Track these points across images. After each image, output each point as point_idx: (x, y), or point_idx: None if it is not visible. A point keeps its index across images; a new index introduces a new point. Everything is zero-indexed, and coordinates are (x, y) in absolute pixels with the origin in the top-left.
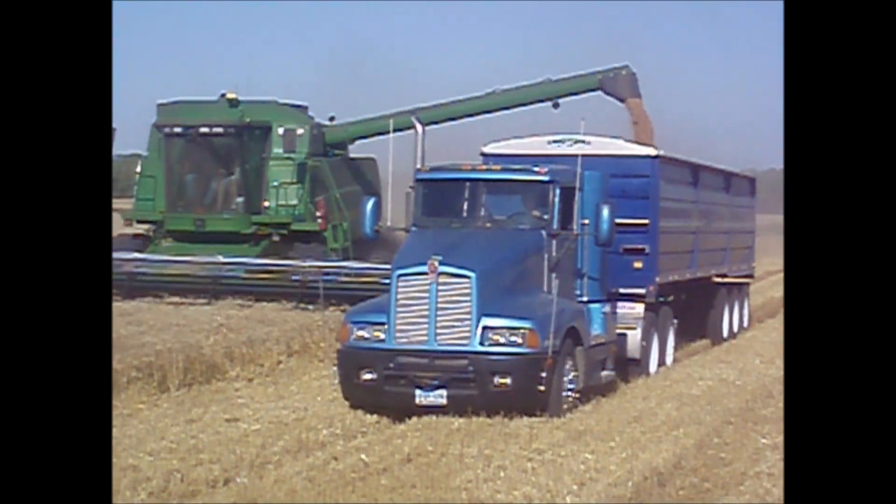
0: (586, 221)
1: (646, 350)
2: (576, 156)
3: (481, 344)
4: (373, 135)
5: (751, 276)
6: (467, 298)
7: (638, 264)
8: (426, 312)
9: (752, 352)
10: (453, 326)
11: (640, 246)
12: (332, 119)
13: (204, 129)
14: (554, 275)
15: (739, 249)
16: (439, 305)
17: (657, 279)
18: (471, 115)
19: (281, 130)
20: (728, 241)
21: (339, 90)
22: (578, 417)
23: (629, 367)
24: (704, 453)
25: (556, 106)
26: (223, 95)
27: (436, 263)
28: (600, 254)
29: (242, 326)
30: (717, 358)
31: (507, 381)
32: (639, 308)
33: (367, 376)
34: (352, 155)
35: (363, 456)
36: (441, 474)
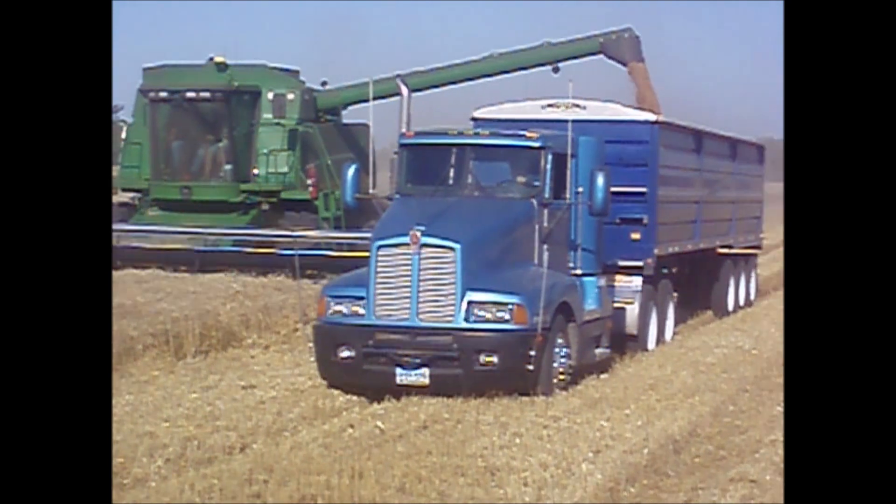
0: (580, 190)
1: (644, 325)
2: (574, 120)
3: (466, 320)
4: (366, 100)
5: (758, 248)
6: (451, 271)
7: (636, 235)
8: (408, 286)
9: (768, 320)
10: (437, 301)
11: (637, 216)
12: (324, 84)
13: (190, 94)
14: (545, 246)
15: (746, 220)
16: (422, 279)
17: (656, 251)
18: (467, 80)
19: (270, 95)
20: (734, 211)
21: (332, 54)
22: (594, 385)
23: (626, 343)
24: (720, 421)
25: (555, 70)
26: (211, 59)
27: (418, 234)
28: (595, 224)
29: (259, 294)
30: (732, 326)
31: (494, 359)
32: (636, 281)
33: (345, 354)
34: (345, 121)
35: (379, 423)
36: (457, 441)
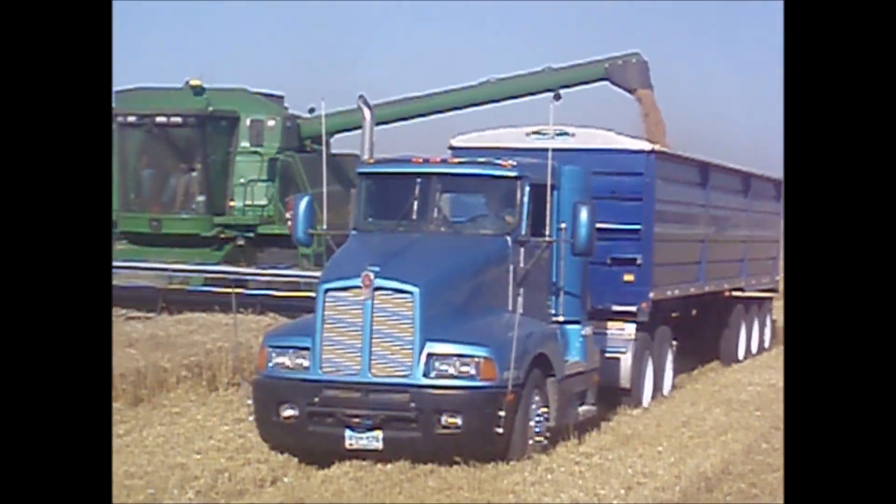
0: (563, 226)
1: (638, 378)
2: (559, 150)
3: (425, 375)
4: (355, 128)
5: (774, 290)
6: (409, 319)
7: (629, 277)
8: (359, 336)
9: None
10: (392, 353)
11: (631, 256)
12: (311, 111)
13: (160, 119)
14: (521, 290)
15: (760, 260)
16: (375, 328)
17: (651, 295)
18: (461, 108)
19: (248, 122)
20: (746, 251)
21: (321, 80)
22: (626, 421)
23: (619, 398)
24: (752, 459)
25: (557, 97)
26: (188, 82)
27: (371, 276)
28: (580, 265)
29: None
30: (765, 364)
31: (457, 420)
32: (629, 329)
33: (288, 413)
34: (333, 150)
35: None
36: (489, 476)
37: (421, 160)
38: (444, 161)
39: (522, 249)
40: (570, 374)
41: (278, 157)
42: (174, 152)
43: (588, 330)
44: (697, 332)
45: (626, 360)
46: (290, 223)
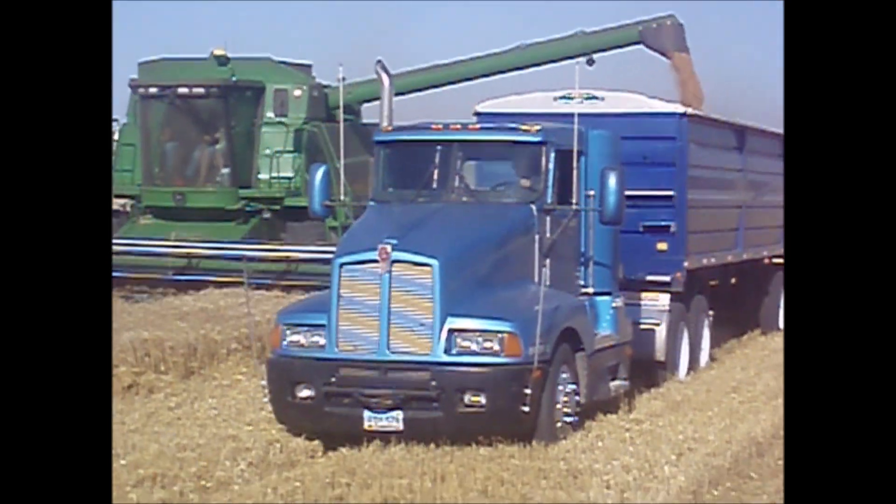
0: (591, 193)
1: (673, 350)
2: (587, 114)
3: (446, 352)
4: (378, 98)
5: None
6: (428, 293)
7: (662, 246)
8: (376, 312)
9: None
10: (411, 330)
11: (664, 223)
12: (341, 80)
13: (182, 90)
14: (547, 261)
15: None
16: (393, 303)
17: (686, 264)
18: (492, 74)
19: (273, 91)
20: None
21: (352, 47)
22: (676, 388)
23: (653, 371)
24: None
25: (590, 63)
26: (212, 52)
27: (388, 248)
28: (610, 234)
29: None
30: None
31: (481, 399)
32: (664, 299)
33: (304, 393)
34: (364, 121)
35: None
36: (539, 444)
37: (441, 127)
38: (464, 127)
39: (548, 218)
40: (600, 348)
41: (304, 128)
42: (197, 124)
43: (619, 301)
44: (737, 301)
45: (661, 332)
46: None
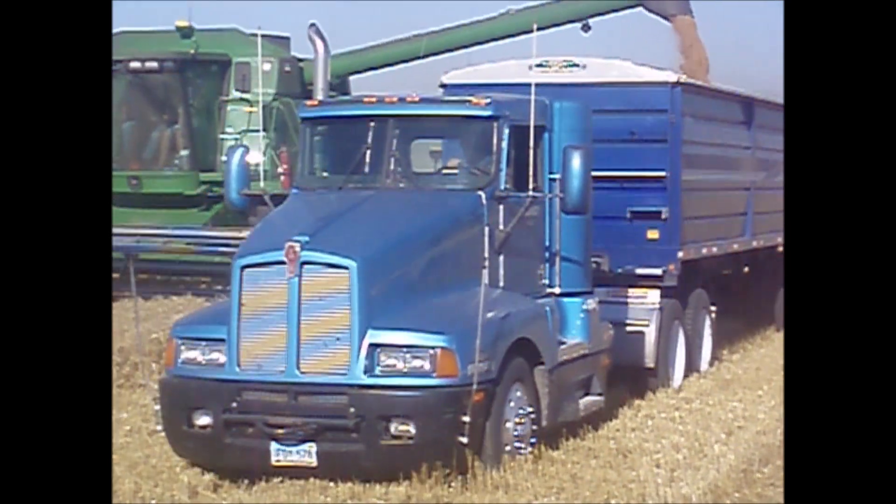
0: (556, 177)
1: (665, 354)
2: (567, 85)
3: (367, 372)
4: (366, 69)
5: None
6: (345, 301)
7: (653, 234)
8: (284, 324)
9: None
10: (325, 345)
11: (654, 209)
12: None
13: (134, 64)
14: (501, 258)
15: None
16: (304, 313)
17: (681, 254)
18: (479, 43)
19: (235, 65)
20: None
21: (339, 18)
22: (726, 366)
23: (642, 379)
24: None
25: (585, 28)
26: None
27: (297, 248)
28: (581, 224)
29: None
30: None
31: (409, 428)
32: (652, 296)
33: (202, 421)
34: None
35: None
36: (589, 423)
37: (374, 100)
38: (402, 100)
39: (501, 207)
40: (567, 360)
41: (273, 105)
42: (153, 102)
43: (592, 303)
44: (745, 295)
45: (650, 334)
46: (283, 178)
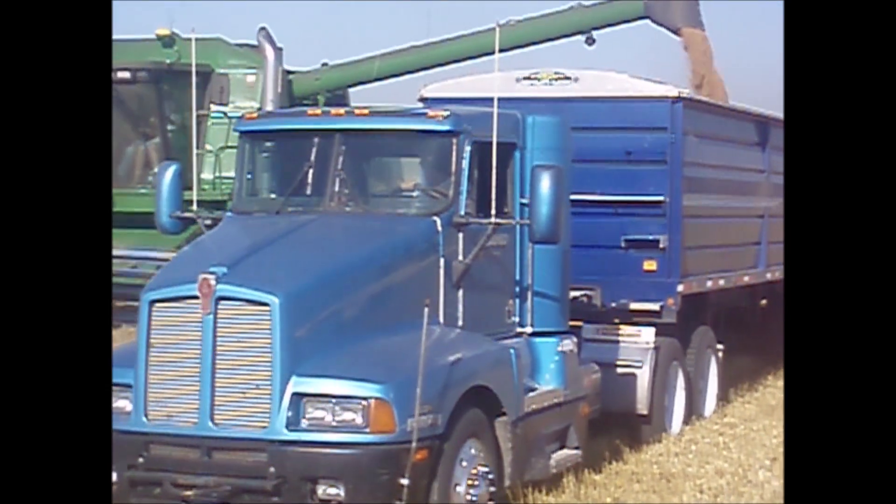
0: (526, 201)
1: (660, 399)
2: (557, 100)
3: (290, 427)
4: (355, 83)
5: None
6: (266, 344)
7: (650, 265)
8: (196, 369)
9: None
10: (243, 394)
11: (652, 237)
12: (324, 65)
13: None
14: (460, 293)
15: None
16: (219, 357)
17: (680, 287)
18: (479, 56)
19: (214, 76)
20: None
21: (334, 30)
22: (770, 391)
23: (636, 427)
24: None
25: (590, 42)
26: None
27: (211, 281)
28: (558, 255)
29: None
30: None
31: (338, 491)
32: (646, 334)
33: None
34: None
35: None
36: (632, 447)
37: (320, 112)
38: (350, 113)
39: (461, 235)
40: (536, 410)
41: None
42: (127, 115)
43: (569, 343)
44: (760, 331)
45: (643, 377)
46: None
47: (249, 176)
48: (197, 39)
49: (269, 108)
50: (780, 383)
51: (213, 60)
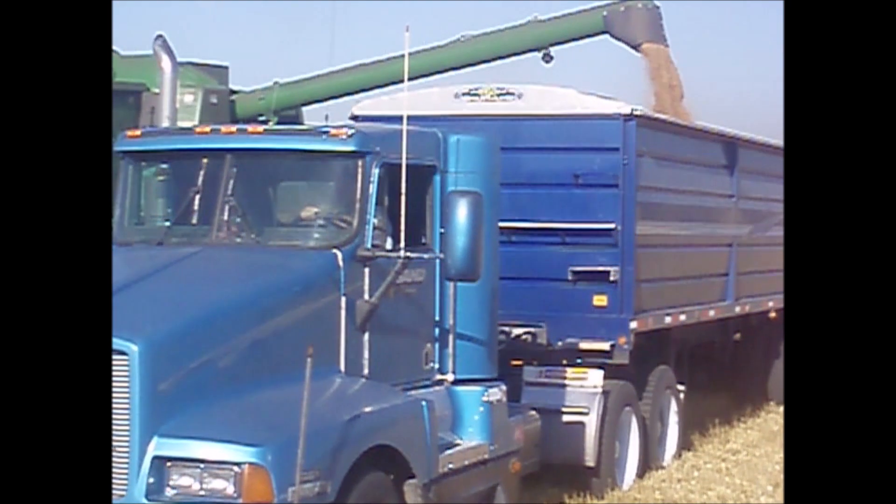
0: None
1: (608, 450)
2: (499, 117)
3: (150, 495)
4: (307, 103)
5: None
6: (124, 398)
7: (600, 300)
8: None
9: None
10: None
11: (602, 268)
12: (276, 84)
13: None
14: (365, 337)
15: None
16: None
17: (633, 324)
18: (430, 74)
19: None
20: None
21: (287, 48)
22: (773, 417)
23: (583, 479)
24: None
25: (547, 59)
26: None
27: None
28: (486, 292)
29: None
30: None
31: None
32: (594, 377)
33: None
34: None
35: None
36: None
37: (208, 130)
38: (242, 131)
39: (367, 270)
40: (454, 470)
41: None
42: None
43: (497, 392)
44: (731, 368)
45: (590, 425)
46: None
47: (130, 202)
48: (132, 57)
49: (164, 123)
50: (781, 409)
51: (150, 79)
